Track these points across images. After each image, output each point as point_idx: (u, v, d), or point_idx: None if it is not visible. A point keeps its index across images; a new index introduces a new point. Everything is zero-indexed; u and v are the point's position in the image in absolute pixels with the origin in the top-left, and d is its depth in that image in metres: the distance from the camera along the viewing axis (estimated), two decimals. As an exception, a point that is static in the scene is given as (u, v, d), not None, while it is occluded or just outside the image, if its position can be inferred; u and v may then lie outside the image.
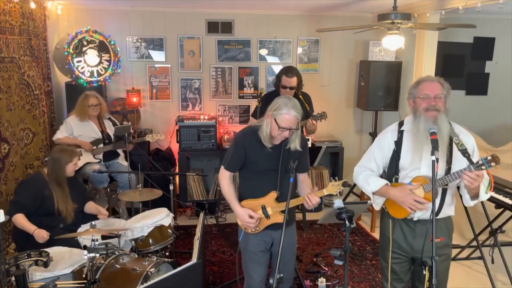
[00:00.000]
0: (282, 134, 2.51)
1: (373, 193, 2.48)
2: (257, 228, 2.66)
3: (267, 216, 2.62)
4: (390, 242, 2.50)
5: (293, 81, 3.96)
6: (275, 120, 2.48)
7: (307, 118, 4.09)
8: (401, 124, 2.48)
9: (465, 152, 2.18)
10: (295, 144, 2.56)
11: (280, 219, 2.58)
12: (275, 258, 2.61)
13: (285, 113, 2.46)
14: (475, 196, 2.31)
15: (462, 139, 2.27)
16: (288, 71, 4.00)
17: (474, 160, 2.19)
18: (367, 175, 2.50)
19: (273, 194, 2.60)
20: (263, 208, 2.61)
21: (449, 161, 2.31)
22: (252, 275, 2.72)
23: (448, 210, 2.43)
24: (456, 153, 2.26)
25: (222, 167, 2.72)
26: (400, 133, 2.44)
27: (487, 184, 2.28)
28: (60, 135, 4.31)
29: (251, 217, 2.59)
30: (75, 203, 3.39)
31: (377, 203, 2.54)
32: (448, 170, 2.31)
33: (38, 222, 3.15)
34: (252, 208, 2.63)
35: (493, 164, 2.12)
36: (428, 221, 2.32)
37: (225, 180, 2.70)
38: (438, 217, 2.39)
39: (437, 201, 2.35)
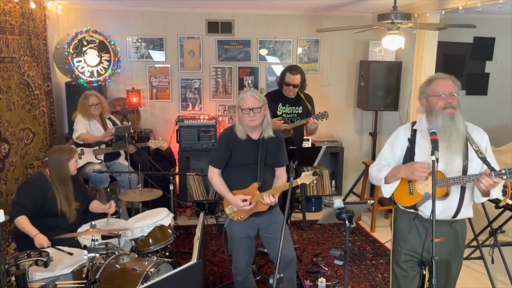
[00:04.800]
0: (249, 118, 2.74)
1: (386, 178, 2.46)
2: (242, 217, 2.89)
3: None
4: (404, 242, 2.48)
5: (297, 78, 4.01)
6: (240, 107, 2.78)
7: (308, 117, 4.10)
8: (413, 124, 2.48)
9: (485, 160, 2.20)
10: (268, 132, 2.84)
11: (263, 208, 2.85)
12: (265, 242, 2.97)
13: (244, 96, 2.78)
14: (486, 194, 2.28)
15: (476, 137, 2.29)
16: (292, 68, 4.07)
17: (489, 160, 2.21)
18: (380, 166, 2.52)
19: (255, 185, 2.84)
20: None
21: (465, 158, 2.29)
22: (239, 258, 2.99)
23: (467, 212, 2.38)
24: (472, 152, 2.26)
25: (210, 166, 2.94)
26: (413, 131, 2.43)
27: (502, 188, 2.26)
28: (80, 130, 4.24)
29: (244, 200, 2.80)
30: (78, 201, 3.39)
31: (387, 190, 2.51)
32: (465, 167, 2.29)
33: (39, 224, 3.13)
34: None
35: None
36: (446, 222, 2.34)
37: (216, 176, 2.92)
38: (457, 218, 2.37)
39: (456, 200, 2.33)
